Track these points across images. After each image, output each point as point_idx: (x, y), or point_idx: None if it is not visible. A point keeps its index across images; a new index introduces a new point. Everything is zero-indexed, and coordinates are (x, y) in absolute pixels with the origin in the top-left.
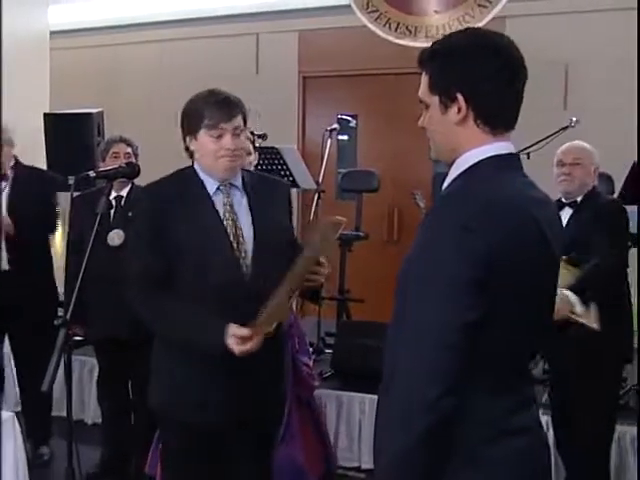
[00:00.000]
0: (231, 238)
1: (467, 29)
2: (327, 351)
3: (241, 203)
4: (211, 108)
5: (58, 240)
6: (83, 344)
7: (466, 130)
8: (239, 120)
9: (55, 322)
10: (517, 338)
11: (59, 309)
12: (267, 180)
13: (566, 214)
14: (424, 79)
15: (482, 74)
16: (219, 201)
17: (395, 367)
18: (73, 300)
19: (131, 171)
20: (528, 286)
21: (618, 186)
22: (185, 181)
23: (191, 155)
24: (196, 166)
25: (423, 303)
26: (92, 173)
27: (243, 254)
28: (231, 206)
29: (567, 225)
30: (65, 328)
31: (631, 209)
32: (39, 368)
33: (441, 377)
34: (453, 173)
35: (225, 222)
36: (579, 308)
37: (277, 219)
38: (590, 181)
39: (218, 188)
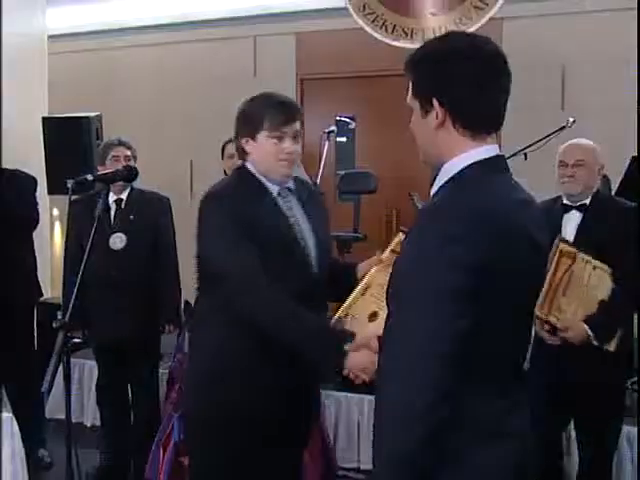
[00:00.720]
0: (300, 241)
1: (449, 33)
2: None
3: (297, 207)
4: (274, 110)
5: (57, 243)
6: (82, 347)
7: (447, 135)
8: (298, 125)
9: (54, 324)
10: (508, 343)
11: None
12: (304, 184)
13: (575, 217)
14: (409, 85)
15: (455, 79)
16: (282, 204)
17: (388, 374)
18: (71, 303)
19: (129, 174)
20: (518, 291)
21: (614, 187)
22: (247, 183)
23: (242, 157)
24: (250, 168)
25: (413, 313)
26: (90, 176)
27: (310, 258)
28: (292, 209)
29: (582, 230)
30: (64, 330)
31: None
32: (23, 368)
33: (434, 384)
34: (440, 180)
35: (293, 225)
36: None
37: (324, 224)
38: (595, 182)
39: (279, 193)
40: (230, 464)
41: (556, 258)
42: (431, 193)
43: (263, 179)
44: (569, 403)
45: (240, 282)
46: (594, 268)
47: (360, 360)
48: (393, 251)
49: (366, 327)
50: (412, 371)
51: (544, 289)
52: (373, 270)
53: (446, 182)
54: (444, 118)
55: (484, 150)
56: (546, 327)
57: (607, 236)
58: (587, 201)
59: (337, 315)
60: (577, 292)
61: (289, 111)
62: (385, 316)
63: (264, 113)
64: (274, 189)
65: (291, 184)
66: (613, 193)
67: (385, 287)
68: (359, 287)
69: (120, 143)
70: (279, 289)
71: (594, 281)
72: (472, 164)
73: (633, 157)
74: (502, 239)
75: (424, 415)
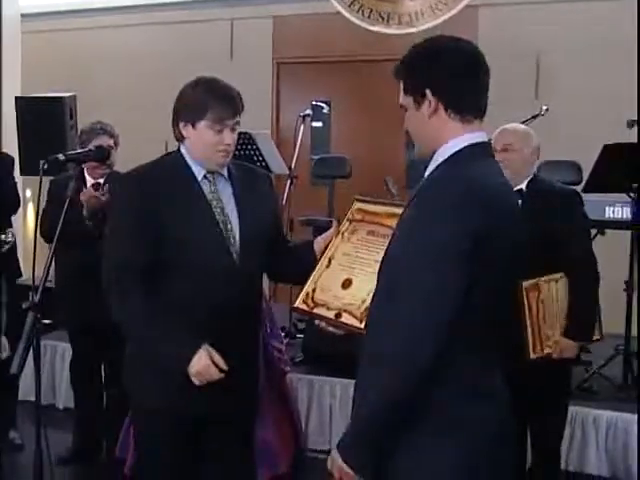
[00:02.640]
0: (220, 224)
1: (435, 37)
2: (299, 336)
3: (226, 192)
4: (218, 103)
5: (30, 224)
6: (53, 329)
7: (440, 122)
8: (239, 117)
9: (23, 305)
10: (493, 311)
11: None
12: (249, 170)
13: None
14: (400, 87)
15: (446, 70)
16: (206, 188)
17: (383, 330)
18: (42, 285)
19: (100, 155)
20: (505, 259)
21: (586, 175)
22: (171, 166)
23: (179, 139)
24: (183, 151)
25: (419, 273)
26: (61, 156)
27: (232, 240)
28: (218, 193)
29: (523, 216)
30: (34, 312)
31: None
32: None
33: (434, 332)
34: (435, 161)
35: (213, 208)
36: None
37: (261, 209)
38: (528, 166)
39: (205, 176)
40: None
41: (525, 299)
42: (426, 174)
43: (191, 163)
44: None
45: (107, 273)
46: (555, 282)
47: (203, 364)
48: (350, 220)
49: (341, 295)
50: (413, 323)
51: (529, 331)
52: (335, 241)
53: (442, 162)
54: (437, 106)
55: (475, 135)
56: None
57: (548, 221)
58: (523, 186)
59: (305, 290)
60: (553, 313)
61: (233, 105)
62: (359, 281)
63: (208, 104)
64: (200, 173)
65: (223, 169)
66: (584, 181)
67: (351, 255)
68: (322, 259)
69: (104, 132)
70: (143, 290)
71: (561, 293)
72: (465, 147)
73: (605, 146)
74: (493, 209)
75: (423, 364)
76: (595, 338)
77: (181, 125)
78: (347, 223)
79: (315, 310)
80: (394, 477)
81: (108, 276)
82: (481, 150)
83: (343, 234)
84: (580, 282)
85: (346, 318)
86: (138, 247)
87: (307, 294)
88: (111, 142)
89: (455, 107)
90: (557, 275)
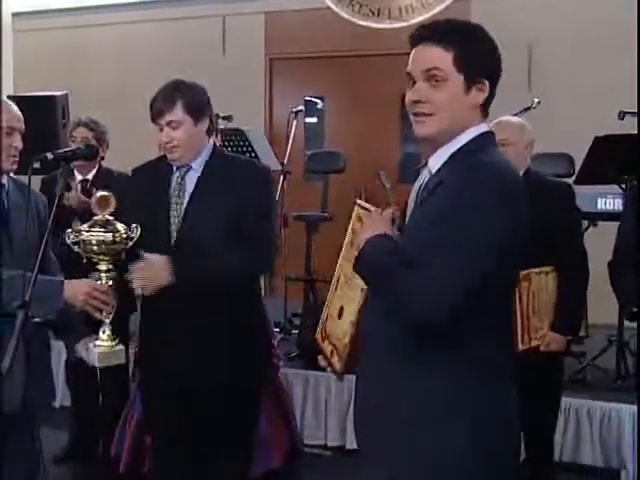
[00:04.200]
0: (170, 214)
1: (476, 26)
2: (293, 331)
3: (190, 187)
4: (152, 105)
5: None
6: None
7: (474, 110)
8: (175, 114)
9: (14, 304)
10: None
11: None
12: (231, 163)
13: None
14: (443, 54)
15: (496, 60)
16: (174, 182)
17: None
18: (32, 283)
19: (89, 153)
20: (523, 246)
21: (578, 167)
22: (161, 162)
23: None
24: None
25: (462, 250)
26: (50, 154)
27: (171, 233)
28: (181, 185)
29: None
30: (24, 310)
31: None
32: None
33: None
34: (452, 146)
35: (170, 199)
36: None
37: (220, 201)
38: (522, 160)
39: (177, 169)
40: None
41: (517, 288)
42: (434, 162)
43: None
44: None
45: None
46: (546, 274)
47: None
48: (353, 230)
49: (336, 326)
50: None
51: (518, 322)
52: (342, 253)
53: (459, 149)
54: (485, 97)
55: (487, 124)
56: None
57: (541, 214)
58: None
59: (322, 318)
60: (543, 305)
61: (157, 107)
62: (350, 309)
63: (151, 106)
64: (174, 168)
65: (195, 163)
66: (576, 174)
67: (347, 274)
68: (334, 277)
69: (81, 124)
70: None
71: (551, 286)
72: (479, 135)
73: (596, 137)
74: (522, 197)
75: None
76: (581, 334)
77: None
78: (351, 234)
79: (324, 344)
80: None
81: None
82: (492, 139)
83: (347, 247)
84: (570, 277)
85: (335, 360)
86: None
87: (322, 323)
88: (89, 135)
89: (489, 102)
90: (548, 268)
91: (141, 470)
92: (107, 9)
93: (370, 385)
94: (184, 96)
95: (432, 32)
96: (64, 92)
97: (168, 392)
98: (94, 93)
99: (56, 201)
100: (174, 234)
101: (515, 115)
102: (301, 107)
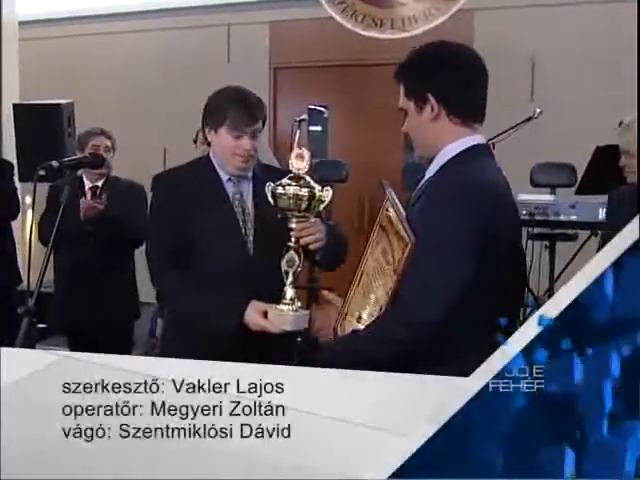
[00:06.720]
0: (240, 224)
1: (434, 42)
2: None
3: (249, 193)
4: (236, 109)
5: (27, 229)
6: (48, 334)
7: (442, 126)
8: (260, 124)
9: (18, 310)
10: (496, 298)
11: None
12: (274, 171)
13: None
14: (400, 90)
15: (448, 76)
16: (230, 190)
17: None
18: (37, 289)
19: (95, 161)
20: (508, 252)
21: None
22: (199, 169)
23: (208, 144)
24: (211, 156)
25: (428, 265)
26: (55, 163)
27: (250, 238)
28: (240, 195)
29: None
30: (28, 317)
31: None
32: None
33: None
34: (439, 161)
35: (235, 209)
36: None
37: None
38: None
39: (229, 179)
40: None
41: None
42: (428, 173)
43: (218, 166)
44: None
45: (150, 264)
46: None
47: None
48: (381, 226)
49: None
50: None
51: None
52: (367, 249)
53: (445, 163)
54: (439, 111)
55: (475, 138)
56: None
57: None
58: None
59: (341, 312)
60: None
61: (250, 112)
62: (366, 317)
63: (227, 110)
64: (225, 176)
65: (249, 173)
66: (577, 184)
67: (369, 275)
68: (357, 270)
69: (102, 132)
70: (187, 273)
71: None
72: (468, 148)
73: (597, 147)
74: (501, 206)
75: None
76: None
77: (206, 130)
78: (377, 229)
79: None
80: None
81: (151, 268)
82: (482, 151)
83: (372, 245)
84: None
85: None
86: (175, 241)
87: (342, 316)
88: (108, 143)
89: (457, 112)
90: None
91: None
92: (112, 18)
93: None
94: (261, 107)
95: (395, 72)
96: (69, 100)
97: None
98: (99, 102)
99: (61, 209)
100: (250, 240)
101: (517, 125)
102: (304, 116)
